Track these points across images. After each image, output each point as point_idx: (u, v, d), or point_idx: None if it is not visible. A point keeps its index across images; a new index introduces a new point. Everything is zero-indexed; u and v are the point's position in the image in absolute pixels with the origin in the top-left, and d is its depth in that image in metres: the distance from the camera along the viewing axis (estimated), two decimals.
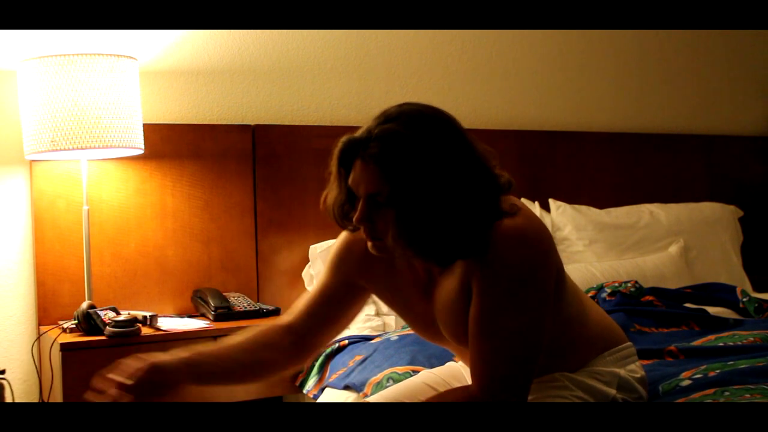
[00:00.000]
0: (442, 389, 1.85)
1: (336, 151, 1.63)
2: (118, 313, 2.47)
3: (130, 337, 2.39)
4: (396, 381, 2.15)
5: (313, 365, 2.55)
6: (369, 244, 1.64)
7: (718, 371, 1.92)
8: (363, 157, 1.57)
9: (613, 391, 1.73)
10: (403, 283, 1.76)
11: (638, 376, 1.81)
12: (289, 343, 1.77)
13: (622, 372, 1.76)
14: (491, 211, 1.57)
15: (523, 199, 3.36)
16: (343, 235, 1.80)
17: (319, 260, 2.94)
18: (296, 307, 1.82)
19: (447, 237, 1.56)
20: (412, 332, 2.18)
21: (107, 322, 2.41)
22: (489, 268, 1.57)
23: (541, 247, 1.60)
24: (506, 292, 1.56)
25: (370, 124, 1.59)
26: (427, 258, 1.63)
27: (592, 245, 3.33)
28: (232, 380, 1.88)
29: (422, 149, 1.54)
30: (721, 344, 2.27)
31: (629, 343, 1.83)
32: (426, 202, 1.54)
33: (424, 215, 1.55)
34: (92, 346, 2.37)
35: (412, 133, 1.54)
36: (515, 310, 1.56)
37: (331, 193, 1.69)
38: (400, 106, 1.60)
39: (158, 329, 2.50)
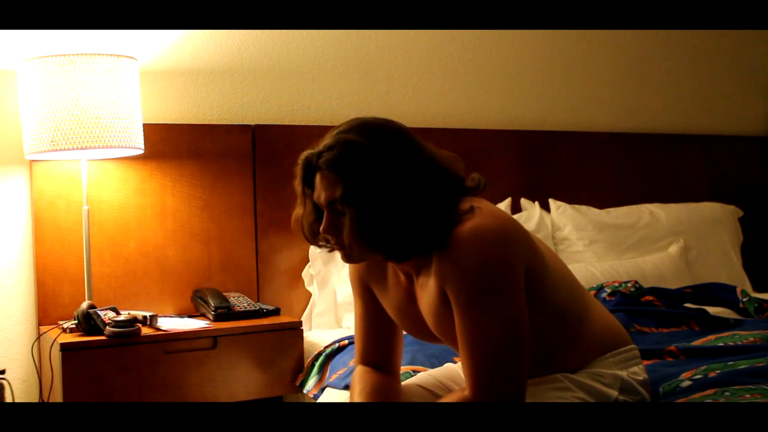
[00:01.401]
0: (436, 391, 1.86)
1: (298, 170, 1.70)
2: (118, 313, 2.47)
3: (130, 337, 2.39)
4: None
5: (313, 365, 2.55)
6: (340, 254, 1.70)
7: (718, 372, 1.92)
8: (320, 168, 1.63)
9: (615, 393, 1.73)
10: (393, 289, 1.79)
11: (641, 378, 1.80)
12: (389, 374, 1.85)
13: (624, 374, 1.76)
14: (442, 210, 1.61)
15: (523, 200, 3.38)
16: None
17: (319, 260, 2.94)
18: (362, 347, 1.87)
19: (396, 232, 1.61)
20: None
21: (107, 322, 2.41)
22: (454, 272, 1.59)
23: (501, 241, 1.60)
24: (473, 293, 1.58)
25: (326, 138, 1.65)
26: (384, 255, 1.67)
27: (592, 245, 3.33)
28: None
29: (371, 150, 1.60)
30: (721, 344, 2.27)
31: (633, 345, 1.83)
32: (375, 198, 1.59)
33: (373, 211, 1.59)
34: (92, 346, 2.37)
35: (363, 138, 1.61)
36: (486, 309, 1.57)
37: (299, 213, 1.75)
38: (353, 119, 1.68)
39: (158, 329, 2.50)
